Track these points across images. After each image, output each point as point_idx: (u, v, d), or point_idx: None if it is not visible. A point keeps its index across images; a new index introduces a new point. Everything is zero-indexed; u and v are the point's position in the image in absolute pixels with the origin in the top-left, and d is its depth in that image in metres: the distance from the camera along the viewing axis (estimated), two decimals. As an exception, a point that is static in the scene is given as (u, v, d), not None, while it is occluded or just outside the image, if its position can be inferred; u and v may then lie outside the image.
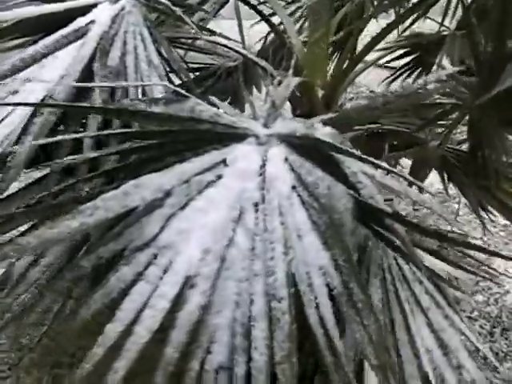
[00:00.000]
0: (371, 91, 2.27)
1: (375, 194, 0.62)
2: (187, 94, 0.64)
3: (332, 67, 1.29)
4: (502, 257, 0.71)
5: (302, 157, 0.66)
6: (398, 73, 1.98)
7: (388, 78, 1.92)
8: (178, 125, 0.63)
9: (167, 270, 0.61)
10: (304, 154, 0.66)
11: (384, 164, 0.60)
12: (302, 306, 0.56)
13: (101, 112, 0.69)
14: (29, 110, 0.81)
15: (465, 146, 1.52)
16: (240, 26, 1.33)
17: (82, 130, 0.82)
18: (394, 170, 0.64)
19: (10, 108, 0.83)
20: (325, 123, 0.64)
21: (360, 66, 1.23)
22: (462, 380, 0.82)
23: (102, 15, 0.95)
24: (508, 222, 2.32)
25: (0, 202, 0.73)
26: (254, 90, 1.82)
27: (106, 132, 0.67)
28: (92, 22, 0.93)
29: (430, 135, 1.48)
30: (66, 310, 0.75)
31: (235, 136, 0.67)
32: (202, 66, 1.68)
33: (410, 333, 0.84)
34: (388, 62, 1.84)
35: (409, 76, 1.95)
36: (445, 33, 1.70)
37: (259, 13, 1.23)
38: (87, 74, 0.92)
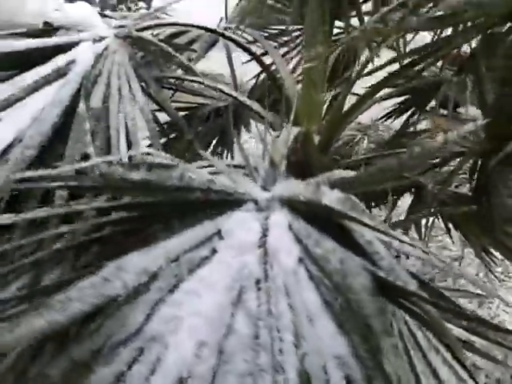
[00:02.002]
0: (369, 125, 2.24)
1: (395, 266, 0.54)
2: (174, 161, 0.56)
3: (327, 108, 1.24)
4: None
5: (309, 224, 0.57)
6: (392, 105, 1.95)
7: (383, 117, 1.89)
8: (164, 195, 0.55)
9: (155, 370, 0.51)
10: (310, 222, 0.57)
11: (399, 235, 0.52)
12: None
13: (67, 188, 0.60)
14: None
15: (465, 189, 1.47)
16: (231, 66, 1.27)
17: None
18: (407, 239, 0.55)
19: None
20: (333, 185, 0.56)
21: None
22: None
23: (84, 54, 0.88)
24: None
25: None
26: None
27: (75, 208, 0.58)
28: (73, 61, 0.85)
29: (427, 178, 1.43)
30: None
31: (231, 202, 0.59)
32: (190, 105, 1.63)
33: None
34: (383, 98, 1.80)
35: (401, 114, 1.92)
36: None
37: (250, 53, 1.18)
38: (66, 117, 0.84)
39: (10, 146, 0.74)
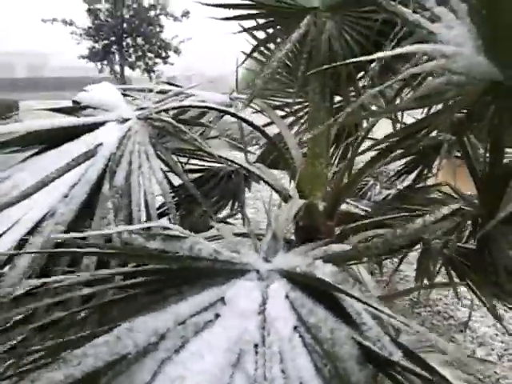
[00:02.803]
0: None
1: (382, 336, 0.59)
2: (185, 233, 0.64)
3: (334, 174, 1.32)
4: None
5: (304, 294, 0.63)
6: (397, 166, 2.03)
7: (394, 175, 1.97)
8: (176, 263, 0.62)
9: None
10: (305, 292, 0.63)
11: (387, 310, 0.57)
12: None
13: (95, 254, 0.69)
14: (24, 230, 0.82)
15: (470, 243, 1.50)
16: (242, 136, 1.38)
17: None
18: (396, 316, 0.60)
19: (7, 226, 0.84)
20: (328, 260, 0.63)
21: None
22: None
23: (110, 137, 0.99)
24: None
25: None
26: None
27: (99, 273, 0.65)
28: (100, 144, 0.96)
29: (432, 235, 1.48)
30: None
31: (235, 272, 0.66)
32: (205, 168, 1.75)
33: None
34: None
35: (410, 172, 2.00)
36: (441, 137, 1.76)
37: (256, 127, 1.27)
38: (93, 194, 0.94)
39: (42, 220, 0.83)
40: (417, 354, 0.60)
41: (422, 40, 0.75)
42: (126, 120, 1.04)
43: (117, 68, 13.30)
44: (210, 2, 1.19)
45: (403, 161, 1.97)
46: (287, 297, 0.64)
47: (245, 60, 1.36)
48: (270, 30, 1.38)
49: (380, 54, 0.88)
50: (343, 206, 1.67)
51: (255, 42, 1.44)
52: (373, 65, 1.15)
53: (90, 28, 12.68)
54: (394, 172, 2.22)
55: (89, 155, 1.00)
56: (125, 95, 1.19)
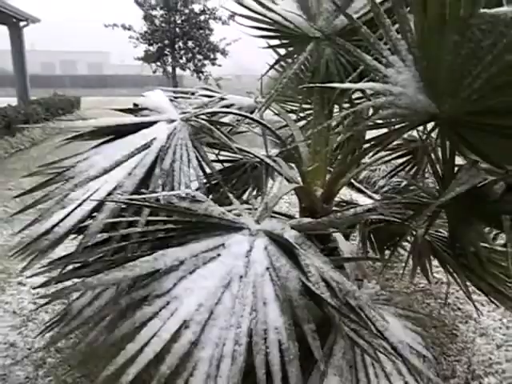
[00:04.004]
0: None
1: (320, 282, 0.90)
2: (205, 197, 0.97)
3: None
4: None
5: (276, 248, 0.95)
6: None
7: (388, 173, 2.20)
8: (196, 218, 0.96)
9: (173, 314, 0.91)
10: (277, 246, 0.95)
11: (329, 267, 0.88)
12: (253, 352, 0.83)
13: (148, 207, 1.04)
14: (104, 195, 1.21)
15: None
16: (264, 137, 1.66)
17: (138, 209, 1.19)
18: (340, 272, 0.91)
19: (94, 188, 1.23)
20: (299, 227, 0.94)
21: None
22: None
23: (161, 133, 1.34)
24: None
25: (81, 254, 1.09)
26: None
27: (151, 218, 1.02)
28: (155, 138, 1.32)
29: (417, 226, 1.70)
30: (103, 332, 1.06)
31: (234, 228, 0.99)
32: (234, 159, 2.00)
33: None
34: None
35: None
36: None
37: (269, 129, 1.55)
38: (148, 174, 1.30)
39: (114, 190, 1.20)
40: (342, 297, 0.90)
41: (378, 79, 1.00)
42: (173, 121, 1.39)
43: (169, 69, 14.32)
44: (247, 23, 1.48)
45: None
46: (265, 248, 0.96)
47: (268, 70, 1.64)
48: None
49: (347, 85, 1.15)
50: (355, 194, 1.93)
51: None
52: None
53: (145, 32, 13.72)
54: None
55: (146, 146, 1.36)
56: (172, 100, 1.53)
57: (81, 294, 1.34)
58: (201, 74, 14.02)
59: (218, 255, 0.96)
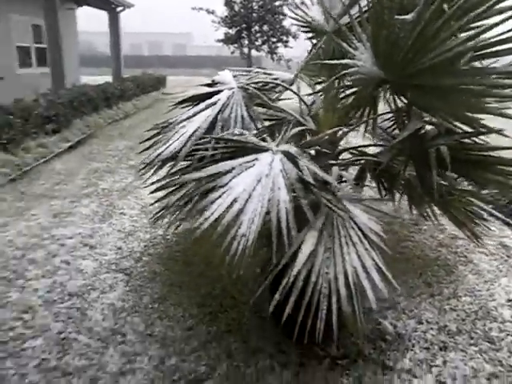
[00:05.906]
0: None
1: (308, 174, 1.60)
2: (247, 133, 1.71)
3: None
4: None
5: (287, 159, 1.66)
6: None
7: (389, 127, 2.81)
8: (240, 143, 1.70)
9: (229, 195, 1.65)
10: (288, 158, 1.66)
11: (315, 167, 1.58)
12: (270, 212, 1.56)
13: (215, 138, 1.81)
14: (190, 133, 1.99)
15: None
16: (300, 99, 2.34)
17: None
18: (326, 175, 1.61)
19: (182, 131, 2.02)
20: (299, 146, 1.65)
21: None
22: (374, 286, 1.68)
23: (223, 96, 2.10)
24: None
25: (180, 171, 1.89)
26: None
27: (216, 145, 1.79)
28: (219, 99, 2.08)
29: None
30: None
31: (263, 149, 1.71)
32: (276, 117, 2.67)
33: (343, 255, 1.74)
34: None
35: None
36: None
37: (298, 96, 2.22)
38: (214, 121, 2.06)
39: (190, 137, 1.98)
40: (325, 184, 1.59)
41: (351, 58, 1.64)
42: (232, 88, 2.14)
43: (245, 50, 15.27)
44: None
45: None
46: (281, 160, 1.67)
47: (309, 54, 2.34)
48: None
49: (334, 62, 1.82)
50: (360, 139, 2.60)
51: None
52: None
53: (226, 17, 14.72)
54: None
55: (213, 103, 2.13)
56: (235, 76, 2.28)
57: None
58: (274, 55, 14.90)
59: (254, 164, 1.69)
